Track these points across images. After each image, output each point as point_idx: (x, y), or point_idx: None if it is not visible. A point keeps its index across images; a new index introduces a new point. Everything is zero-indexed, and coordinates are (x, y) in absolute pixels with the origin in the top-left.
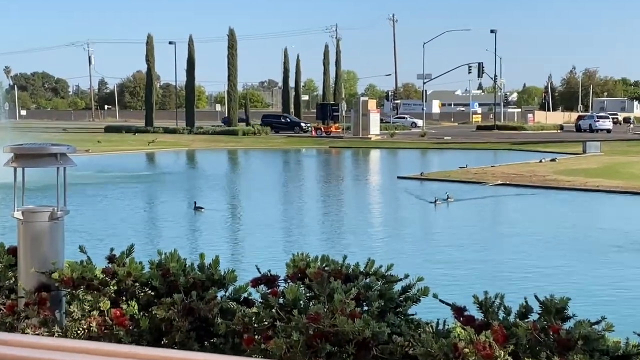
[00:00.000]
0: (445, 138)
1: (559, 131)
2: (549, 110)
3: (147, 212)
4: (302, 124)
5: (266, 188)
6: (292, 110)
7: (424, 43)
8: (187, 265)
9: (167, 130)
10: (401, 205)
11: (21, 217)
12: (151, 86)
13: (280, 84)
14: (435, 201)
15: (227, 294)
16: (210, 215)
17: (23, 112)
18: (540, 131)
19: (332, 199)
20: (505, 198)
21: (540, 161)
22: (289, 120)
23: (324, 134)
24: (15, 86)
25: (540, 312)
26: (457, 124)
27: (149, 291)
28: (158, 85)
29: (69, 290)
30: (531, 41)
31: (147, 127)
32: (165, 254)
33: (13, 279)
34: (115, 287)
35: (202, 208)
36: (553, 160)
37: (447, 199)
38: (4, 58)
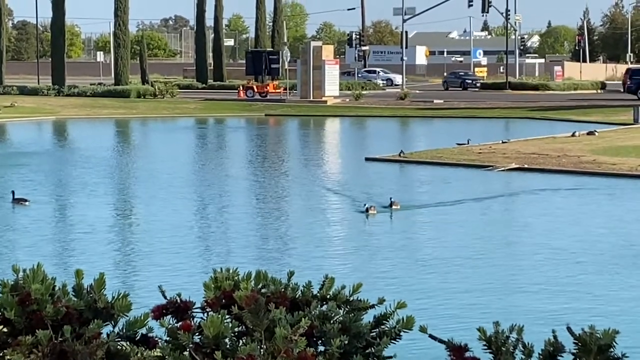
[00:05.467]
0: (435, 102)
1: (599, 91)
2: (584, 60)
3: (5, 211)
4: None
5: (166, 176)
6: (209, 60)
7: None
8: (56, 288)
9: (24, 91)
10: (316, 215)
11: None
12: (0, 25)
13: (193, 22)
14: (367, 210)
15: (116, 329)
16: (88, 215)
17: None
18: (573, 91)
19: (266, 194)
20: (511, 199)
21: (573, 135)
22: None
23: (257, 96)
24: None
25: (575, 351)
26: None
27: (0, 326)
28: (10, 24)
29: None
30: None
31: None
32: (24, 270)
33: None
34: None
35: (24, 200)
36: (591, 133)
37: (391, 205)
38: None
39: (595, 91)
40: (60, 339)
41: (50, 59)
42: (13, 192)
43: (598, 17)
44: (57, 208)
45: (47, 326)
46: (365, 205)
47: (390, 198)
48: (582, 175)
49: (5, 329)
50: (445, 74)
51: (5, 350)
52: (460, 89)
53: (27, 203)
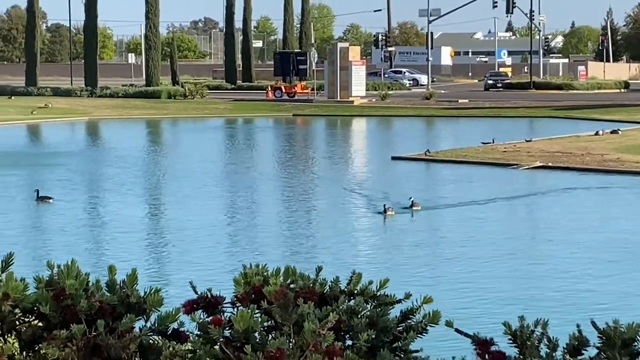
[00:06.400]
0: (460, 101)
1: (622, 90)
2: (608, 60)
3: (38, 209)
4: None
5: (197, 174)
6: (238, 61)
7: None
8: (90, 283)
9: (58, 92)
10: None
11: None
12: (34, 29)
13: (222, 24)
14: (386, 211)
15: (148, 324)
16: (121, 212)
17: None
18: (597, 90)
19: (293, 193)
20: (536, 197)
21: (597, 133)
22: None
23: (285, 96)
24: None
25: (599, 345)
26: (477, 80)
27: (36, 321)
28: (44, 27)
29: None
30: None
31: (28, 87)
32: (58, 266)
33: None
34: None
35: (49, 198)
36: (615, 132)
37: (412, 206)
38: None
39: (618, 90)
40: (94, 333)
41: (83, 61)
42: (37, 191)
43: (621, 17)
44: (90, 206)
45: (81, 320)
46: (384, 206)
47: (411, 199)
48: (606, 173)
49: (40, 324)
50: (470, 73)
51: (40, 344)
52: (494, 89)
53: (51, 200)
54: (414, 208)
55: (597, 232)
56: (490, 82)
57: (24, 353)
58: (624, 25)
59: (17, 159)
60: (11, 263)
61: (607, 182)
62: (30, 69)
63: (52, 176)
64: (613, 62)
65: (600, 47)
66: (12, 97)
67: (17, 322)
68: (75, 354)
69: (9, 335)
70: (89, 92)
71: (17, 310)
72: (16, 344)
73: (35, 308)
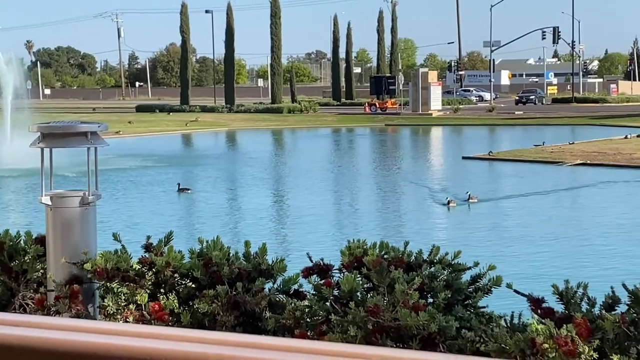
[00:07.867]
0: (516, 113)
1: None
2: (634, 79)
3: (185, 198)
4: None
5: (311, 171)
6: (342, 84)
7: (492, 6)
8: (231, 254)
9: (204, 109)
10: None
11: (49, 203)
12: (186, 60)
13: (329, 55)
14: (449, 202)
15: (275, 285)
16: (254, 201)
17: (47, 91)
18: (625, 104)
19: (383, 187)
20: (580, 189)
21: (626, 137)
22: None
23: (378, 111)
24: (38, 63)
25: (629, 302)
26: None
27: (190, 283)
28: (194, 59)
29: (102, 282)
30: (614, 0)
31: (182, 105)
32: (207, 241)
33: (42, 271)
34: (153, 279)
35: (188, 189)
36: None
37: (469, 199)
38: (26, 32)
39: None
40: (234, 292)
41: (223, 85)
42: (179, 184)
43: None
44: (225, 196)
45: (224, 283)
46: (447, 198)
47: (468, 192)
48: (634, 168)
49: (193, 285)
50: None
51: (193, 301)
52: (533, 104)
53: (189, 191)
54: (470, 200)
55: (636, 216)
56: (517, 98)
57: (181, 307)
58: None
59: (175, 161)
60: (171, 239)
61: (637, 176)
62: (183, 92)
63: (201, 173)
64: (639, 81)
65: (628, 69)
66: (170, 114)
67: (176, 284)
68: (220, 308)
69: (170, 293)
70: (228, 108)
71: (176, 275)
72: (175, 301)
73: (189, 273)
